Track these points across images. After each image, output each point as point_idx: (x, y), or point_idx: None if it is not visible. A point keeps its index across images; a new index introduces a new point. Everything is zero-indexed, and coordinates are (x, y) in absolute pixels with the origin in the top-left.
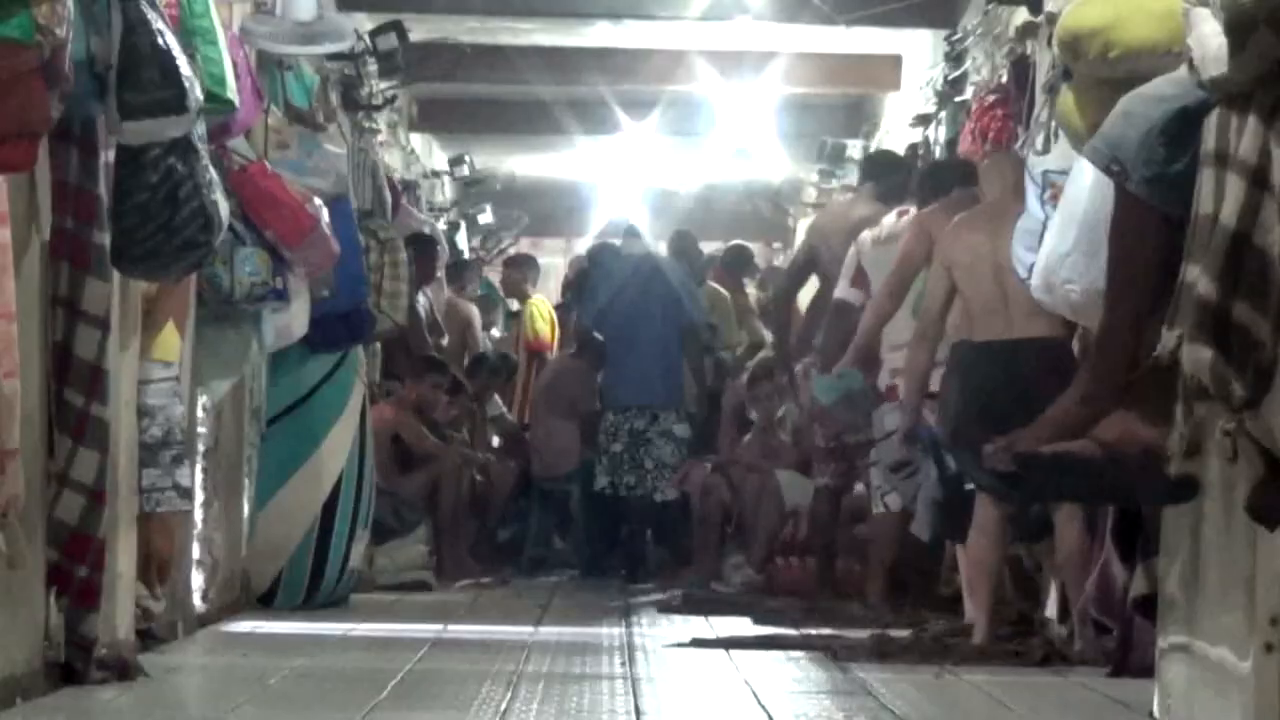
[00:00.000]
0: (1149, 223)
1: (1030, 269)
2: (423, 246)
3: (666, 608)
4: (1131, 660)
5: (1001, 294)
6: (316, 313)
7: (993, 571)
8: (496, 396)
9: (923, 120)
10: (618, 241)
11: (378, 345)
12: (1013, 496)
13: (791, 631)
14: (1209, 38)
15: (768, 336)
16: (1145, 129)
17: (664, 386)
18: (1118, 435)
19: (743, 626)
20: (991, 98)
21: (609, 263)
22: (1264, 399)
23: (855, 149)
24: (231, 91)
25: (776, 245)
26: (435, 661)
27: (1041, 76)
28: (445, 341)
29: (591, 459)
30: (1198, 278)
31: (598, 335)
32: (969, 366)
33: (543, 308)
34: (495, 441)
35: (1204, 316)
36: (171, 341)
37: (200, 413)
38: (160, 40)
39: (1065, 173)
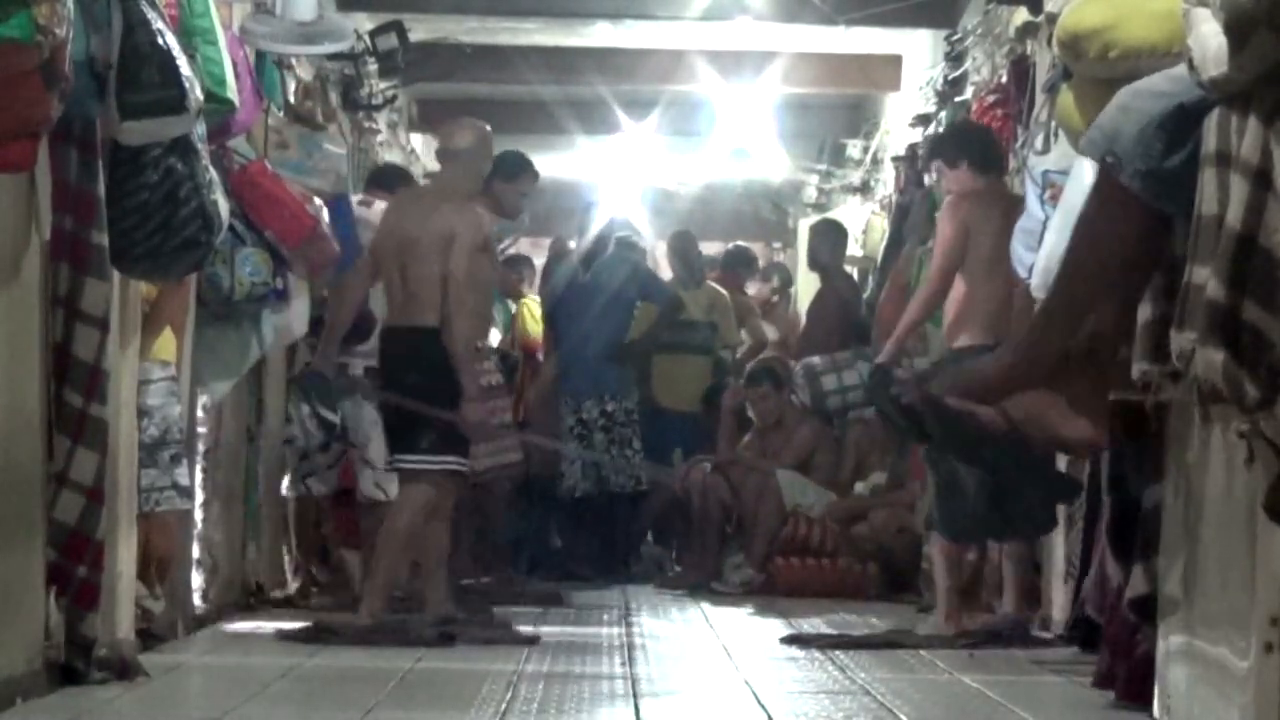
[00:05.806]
0: (1128, 215)
1: (1030, 269)
2: None
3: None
4: (1116, 669)
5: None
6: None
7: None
8: None
9: (923, 120)
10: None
11: None
12: (909, 432)
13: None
14: (1209, 38)
15: (770, 335)
16: (1142, 123)
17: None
18: (1024, 415)
19: (748, 626)
20: (991, 98)
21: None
22: (1277, 399)
23: (855, 149)
24: (231, 91)
25: (776, 245)
26: (435, 661)
27: (1041, 76)
28: None
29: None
30: (1206, 280)
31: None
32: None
33: (535, 308)
34: None
35: (1214, 319)
36: (168, 340)
37: (200, 413)
38: (160, 40)
39: (1065, 173)
